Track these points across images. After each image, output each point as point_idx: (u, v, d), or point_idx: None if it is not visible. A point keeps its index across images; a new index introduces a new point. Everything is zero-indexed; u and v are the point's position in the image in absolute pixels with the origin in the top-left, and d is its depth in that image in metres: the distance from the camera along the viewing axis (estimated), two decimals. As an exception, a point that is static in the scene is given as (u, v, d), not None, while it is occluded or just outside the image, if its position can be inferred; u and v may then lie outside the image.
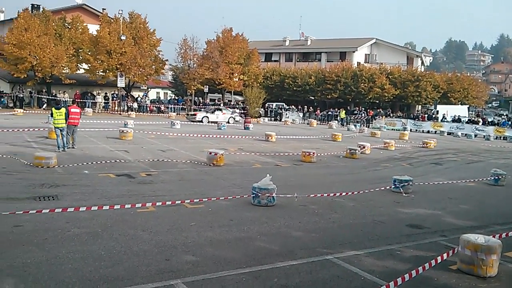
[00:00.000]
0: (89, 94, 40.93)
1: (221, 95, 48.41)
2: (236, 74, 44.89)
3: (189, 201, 9.76)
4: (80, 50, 38.84)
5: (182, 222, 8.59)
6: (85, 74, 39.88)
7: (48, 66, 35.00)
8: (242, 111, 43.95)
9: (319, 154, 18.96)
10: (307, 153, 17.91)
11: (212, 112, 35.37)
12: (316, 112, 46.48)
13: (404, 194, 12.39)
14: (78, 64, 39.08)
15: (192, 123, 33.30)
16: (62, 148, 15.89)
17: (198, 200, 9.88)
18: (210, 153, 15.59)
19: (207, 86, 44.59)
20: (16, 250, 6.58)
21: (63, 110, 16.28)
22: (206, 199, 9.95)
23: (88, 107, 37.31)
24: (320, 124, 42.18)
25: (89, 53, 38.20)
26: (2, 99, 37.07)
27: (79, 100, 36.13)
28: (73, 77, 38.29)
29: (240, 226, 8.57)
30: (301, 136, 27.15)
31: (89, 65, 38.32)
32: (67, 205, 8.52)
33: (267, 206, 10.02)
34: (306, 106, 47.61)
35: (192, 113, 36.07)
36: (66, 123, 16.22)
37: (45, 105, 36.54)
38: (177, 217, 8.92)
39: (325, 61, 57.98)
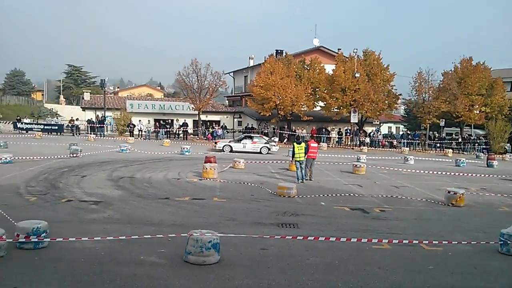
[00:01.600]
0: (324, 130, 43.08)
1: (459, 129, 44.94)
2: (477, 106, 41.13)
3: (427, 242, 9.24)
4: (317, 89, 41.43)
5: (419, 263, 8.18)
6: (321, 111, 42.30)
7: (289, 105, 38.40)
8: (484, 146, 39.81)
9: None
10: None
11: (238, 141, 31.02)
12: None
13: None
14: (315, 102, 41.72)
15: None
16: (301, 179, 17.09)
17: (436, 242, 9.27)
18: (449, 192, 14.53)
19: (443, 120, 42.02)
20: (263, 272, 7.29)
21: (303, 144, 17.61)
22: (446, 242, 9.25)
23: (323, 142, 39.26)
24: None
25: (325, 92, 40.41)
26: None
27: (315, 135, 38.44)
28: (310, 114, 41.06)
29: (485, 276, 7.70)
30: (562, 177, 22.98)
31: (325, 102, 40.50)
32: (306, 233, 9.06)
33: (519, 256, 8.75)
34: None
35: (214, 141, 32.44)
36: (305, 156, 17.45)
37: (285, 140, 39.97)
38: (414, 257, 8.54)
39: None
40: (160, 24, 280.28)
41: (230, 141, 31.52)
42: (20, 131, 38.85)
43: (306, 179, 17.50)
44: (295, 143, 17.64)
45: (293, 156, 17.59)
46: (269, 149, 30.26)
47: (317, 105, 42.24)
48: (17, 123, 39.95)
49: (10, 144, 26.61)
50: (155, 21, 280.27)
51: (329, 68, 42.04)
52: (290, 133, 40.30)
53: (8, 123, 41.07)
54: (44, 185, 14.65)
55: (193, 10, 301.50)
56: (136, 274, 6.90)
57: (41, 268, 7.02)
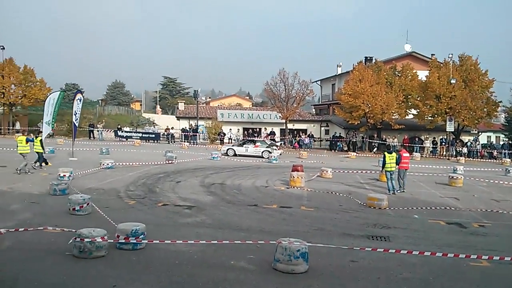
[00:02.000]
0: (417, 139, 41.32)
1: None
2: None
3: (533, 261, 8.48)
4: (409, 96, 39.87)
5: (525, 284, 7.55)
6: (413, 119, 40.63)
7: (379, 113, 37.32)
8: None
9: None
10: None
11: (241, 145, 32.44)
12: None
13: None
14: (407, 110, 40.16)
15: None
16: (392, 191, 16.49)
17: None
18: (560, 207, 13.25)
19: (550, 128, 38.47)
20: (352, 284, 7.16)
21: (394, 154, 17.01)
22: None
23: (416, 151, 37.64)
24: None
25: (418, 99, 38.74)
26: (338, 143, 41.57)
27: (407, 144, 36.97)
28: (402, 122, 39.58)
29: None
30: None
31: (418, 110, 38.84)
32: (398, 247, 8.71)
33: None
34: None
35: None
36: (396, 167, 16.85)
37: (375, 149, 38.89)
38: (519, 277, 7.89)
39: None
40: (249, 36, 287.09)
41: (233, 145, 33.36)
42: (120, 138, 41.69)
43: (398, 191, 16.86)
44: (386, 153, 17.06)
45: (383, 166, 17.04)
46: (270, 153, 30.56)
47: (409, 113, 40.63)
48: (118, 132, 42.89)
49: (112, 151, 28.66)
50: (244, 33, 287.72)
51: (422, 74, 40.31)
52: (380, 142, 39.14)
53: (110, 131, 44.23)
54: (142, 189, 15.60)
55: (280, 20, 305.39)
56: (226, 278, 7.09)
57: (138, 268, 7.46)
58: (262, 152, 30.90)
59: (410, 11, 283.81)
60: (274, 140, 41.86)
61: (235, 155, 30.68)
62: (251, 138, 36.42)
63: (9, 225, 9.64)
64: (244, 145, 32.05)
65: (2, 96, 42.31)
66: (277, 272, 7.40)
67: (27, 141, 18.71)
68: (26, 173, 17.86)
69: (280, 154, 31.31)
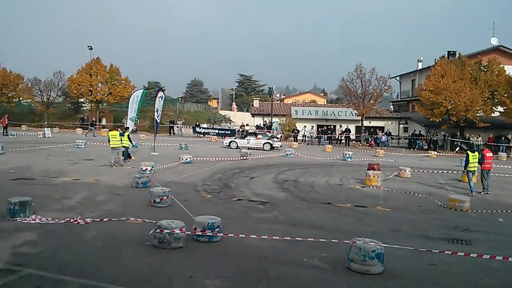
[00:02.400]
0: (503, 138, 38.69)
1: None
2: None
3: None
4: (495, 93, 37.46)
5: None
6: (500, 117, 38.13)
7: (463, 110, 35.41)
8: None
9: None
10: None
11: (243, 137, 34.04)
12: None
13: None
14: (493, 107, 37.77)
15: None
16: (471, 191, 15.61)
17: None
18: None
19: None
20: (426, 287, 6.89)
21: (477, 154, 16.20)
22: None
23: (502, 151, 35.26)
24: None
25: (505, 95, 36.30)
26: (418, 142, 39.97)
27: (492, 144, 34.76)
28: (487, 120, 37.30)
29: None
30: None
31: (505, 107, 36.39)
32: (481, 251, 8.24)
33: None
34: None
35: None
36: (478, 167, 16.01)
37: (458, 148, 36.95)
38: None
39: None
40: (325, 32, 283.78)
41: (235, 138, 35.15)
42: (198, 134, 43.04)
43: (481, 192, 15.91)
44: (469, 152, 16.25)
45: (466, 166, 16.20)
46: (271, 145, 31.76)
47: (496, 110, 38.16)
48: (196, 128, 44.29)
49: (190, 146, 29.72)
50: (320, 29, 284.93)
51: (510, 69, 37.68)
52: (463, 140, 37.14)
53: (189, 128, 45.78)
54: (218, 184, 16.05)
55: (357, 15, 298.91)
56: (299, 275, 7.12)
57: (214, 260, 7.70)
58: (263, 144, 31.94)
59: (497, 2, 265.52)
60: (349, 137, 41.30)
61: (237, 147, 31.39)
62: (253, 132, 37.71)
63: (94, 215, 10.36)
64: (246, 138, 33.48)
65: (90, 93, 45.35)
66: (350, 271, 7.32)
67: (120, 135, 19.96)
68: (111, 166, 19.02)
69: (280, 146, 32.36)
